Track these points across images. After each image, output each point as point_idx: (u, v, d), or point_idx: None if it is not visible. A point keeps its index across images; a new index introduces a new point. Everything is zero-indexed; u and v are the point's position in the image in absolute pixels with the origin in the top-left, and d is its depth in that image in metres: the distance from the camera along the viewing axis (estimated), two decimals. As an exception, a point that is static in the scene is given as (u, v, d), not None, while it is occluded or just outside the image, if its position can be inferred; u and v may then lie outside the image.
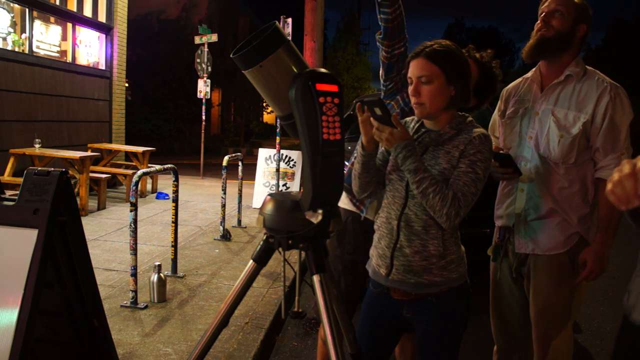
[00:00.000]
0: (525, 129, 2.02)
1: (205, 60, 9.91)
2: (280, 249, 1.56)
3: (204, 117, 10.41)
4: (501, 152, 2.05)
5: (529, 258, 2.03)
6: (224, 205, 5.18)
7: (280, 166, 6.58)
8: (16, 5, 6.36)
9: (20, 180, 1.54)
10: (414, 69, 1.59)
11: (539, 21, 1.96)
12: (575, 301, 2.02)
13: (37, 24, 6.68)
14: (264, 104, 20.98)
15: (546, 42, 1.93)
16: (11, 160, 5.79)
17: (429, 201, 1.50)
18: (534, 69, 2.09)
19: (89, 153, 6.38)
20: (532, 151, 1.99)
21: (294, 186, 6.80)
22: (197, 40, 9.93)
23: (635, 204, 0.97)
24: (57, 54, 7.15)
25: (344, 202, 2.16)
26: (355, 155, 2.16)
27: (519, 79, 2.16)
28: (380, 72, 2.10)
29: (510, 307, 2.15)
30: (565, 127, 1.92)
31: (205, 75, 9.99)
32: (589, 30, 1.96)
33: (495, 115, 2.23)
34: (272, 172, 6.89)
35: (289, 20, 6.50)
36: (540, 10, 1.97)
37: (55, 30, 7.15)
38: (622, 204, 0.99)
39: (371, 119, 1.53)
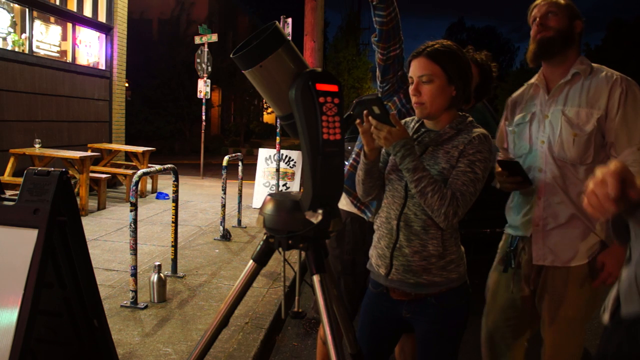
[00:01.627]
0: (536, 135, 1.95)
1: (205, 60, 9.91)
2: (280, 249, 1.56)
3: (204, 117, 10.41)
4: (508, 159, 1.98)
5: (546, 270, 1.95)
6: (224, 205, 5.18)
7: (280, 166, 6.58)
8: (16, 5, 6.36)
9: (20, 180, 1.54)
10: (415, 69, 1.59)
11: (534, 27, 1.93)
12: (591, 308, 1.95)
13: (37, 24, 6.68)
14: (265, 104, 20.99)
15: (549, 42, 1.89)
16: (11, 160, 5.79)
17: (427, 200, 1.50)
18: (537, 75, 2.04)
19: (89, 153, 6.38)
20: (546, 156, 1.91)
21: (294, 186, 6.80)
22: (197, 40, 9.93)
23: (611, 211, 0.92)
24: (57, 54, 7.15)
25: (343, 203, 2.16)
26: (353, 155, 2.16)
27: (523, 86, 2.10)
28: (377, 73, 2.10)
29: (508, 320, 2.07)
30: (579, 125, 1.85)
31: (205, 75, 9.99)
32: (584, 27, 1.93)
33: (502, 125, 2.17)
34: (272, 172, 6.89)
35: (289, 20, 6.50)
36: (532, 17, 1.95)
37: (55, 30, 7.15)
38: (598, 213, 0.93)
39: (369, 117, 1.53)
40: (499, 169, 1.93)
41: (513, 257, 2.03)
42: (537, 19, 1.92)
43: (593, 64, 1.94)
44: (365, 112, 1.54)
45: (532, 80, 2.06)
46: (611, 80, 1.85)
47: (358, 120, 1.56)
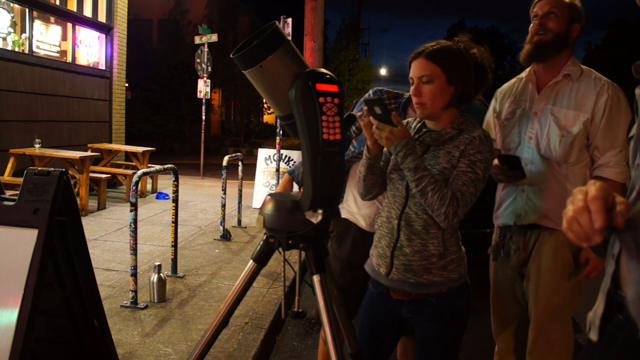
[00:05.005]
0: (524, 130, 2.02)
1: (205, 60, 9.91)
2: (280, 249, 1.56)
3: (204, 117, 10.41)
4: (509, 154, 2.03)
5: (533, 251, 2.02)
6: (224, 205, 5.18)
7: (280, 166, 6.58)
8: (16, 5, 6.36)
9: (20, 180, 1.54)
10: (415, 70, 1.60)
11: (534, 24, 1.96)
12: (576, 297, 2.03)
13: (37, 24, 6.68)
14: (265, 104, 20.99)
15: (545, 45, 1.93)
16: (11, 160, 5.78)
17: (427, 200, 1.50)
18: (527, 69, 2.09)
19: (89, 153, 6.38)
20: (533, 151, 1.99)
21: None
22: (197, 40, 9.92)
23: (597, 241, 0.84)
24: (57, 54, 7.15)
25: (343, 213, 2.16)
26: (347, 154, 2.14)
27: (513, 80, 2.16)
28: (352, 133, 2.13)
29: (511, 308, 2.15)
30: (566, 126, 1.92)
31: (205, 75, 9.99)
32: (582, 29, 1.97)
33: (490, 116, 2.21)
34: (272, 172, 6.89)
35: (289, 20, 6.50)
36: (533, 12, 1.97)
37: (55, 30, 7.15)
38: (582, 241, 0.86)
39: (371, 118, 1.54)
40: (497, 162, 1.97)
41: (502, 247, 2.11)
42: (538, 17, 1.95)
43: (583, 67, 2.00)
44: (366, 109, 1.54)
45: (522, 75, 2.11)
46: (599, 85, 1.92)
47: (359, 113, 1.56)
